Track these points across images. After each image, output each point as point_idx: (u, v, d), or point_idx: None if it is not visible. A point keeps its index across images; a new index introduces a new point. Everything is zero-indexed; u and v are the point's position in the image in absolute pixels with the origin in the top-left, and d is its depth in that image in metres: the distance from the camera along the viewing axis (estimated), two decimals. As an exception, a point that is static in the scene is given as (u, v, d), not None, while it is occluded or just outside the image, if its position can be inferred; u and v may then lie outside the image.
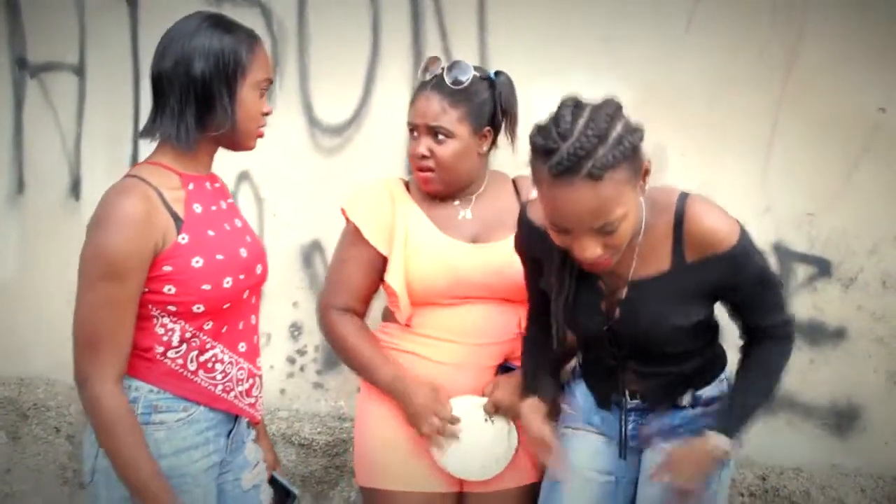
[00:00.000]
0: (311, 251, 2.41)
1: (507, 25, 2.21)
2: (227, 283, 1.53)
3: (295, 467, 2.40)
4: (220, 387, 1.58)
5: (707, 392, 1.70)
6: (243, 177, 2.51)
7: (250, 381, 1.62)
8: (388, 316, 1.95)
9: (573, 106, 1.41)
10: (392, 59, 2.32)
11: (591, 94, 2.13)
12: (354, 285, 1.90)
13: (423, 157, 1.81)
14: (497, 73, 1.86)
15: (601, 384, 1.75)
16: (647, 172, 1.46)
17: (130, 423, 1.47)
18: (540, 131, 1.41)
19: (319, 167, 2.42)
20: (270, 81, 1.61)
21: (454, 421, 1.80)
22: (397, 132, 2.13)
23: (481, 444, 1.82)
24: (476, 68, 1.84)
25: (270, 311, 2.21)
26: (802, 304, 2.04)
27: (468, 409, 1.82)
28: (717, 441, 1.56)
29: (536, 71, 2.15)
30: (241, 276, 1.57)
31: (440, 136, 1.81)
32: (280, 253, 2.40)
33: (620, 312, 1.61)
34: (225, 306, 1.53)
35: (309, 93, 2.43)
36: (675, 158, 2.13)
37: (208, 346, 1.55)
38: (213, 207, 1.59)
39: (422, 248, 1.84)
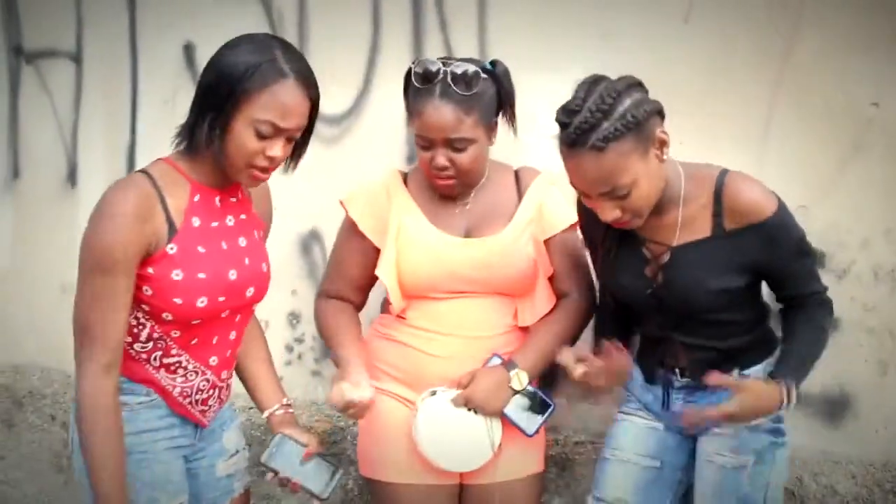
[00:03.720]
0: (309, 240, 2.43)
1: (505, 18, 2.23)
2: (202, 302, 1.52)
3: (292, 455, 2.43)
4: (178, 389, 1.59)
5: (754, 372, 1.73)
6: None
7: (210, 391, 1.64)
8: (385, 307, 1.98)
9: (590, 83, 1.55)
10: (392, 50, 2.34)
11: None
12: (350, 276, 1.94)
13: (445, 167, 1.80)
14: (493, 64, 1.83)
15: (649, 358, 1.81)
16: (662, 143, 1.58)
17: (105, 418, 1.47)
18: (561, 107, 1.55)
19: (318, 157, 2.40)
20: (279, 129, 1.48)
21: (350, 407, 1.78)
22: (396, 122, 2.16)
23: (458, 435, 1.83)
24: (473, 61, 1.82)
25: (269, 299, 2.25)
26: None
27: (447, 399, 1.83)
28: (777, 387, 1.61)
29: (534, 64, 2.16)
30: (221, 298, 1.56)
31: (459, 145, 1.78)
32: (279, 242, 2.39)
33: (662, 277, 1.70)
34: (194, 322, 1.54)
35: (309, 82, 2.44)
36: (671, 149, 2.16)
37: (174, 351, 1.56)
38: (215, 223, 1.57)
39: (413, 242, 1.86)
